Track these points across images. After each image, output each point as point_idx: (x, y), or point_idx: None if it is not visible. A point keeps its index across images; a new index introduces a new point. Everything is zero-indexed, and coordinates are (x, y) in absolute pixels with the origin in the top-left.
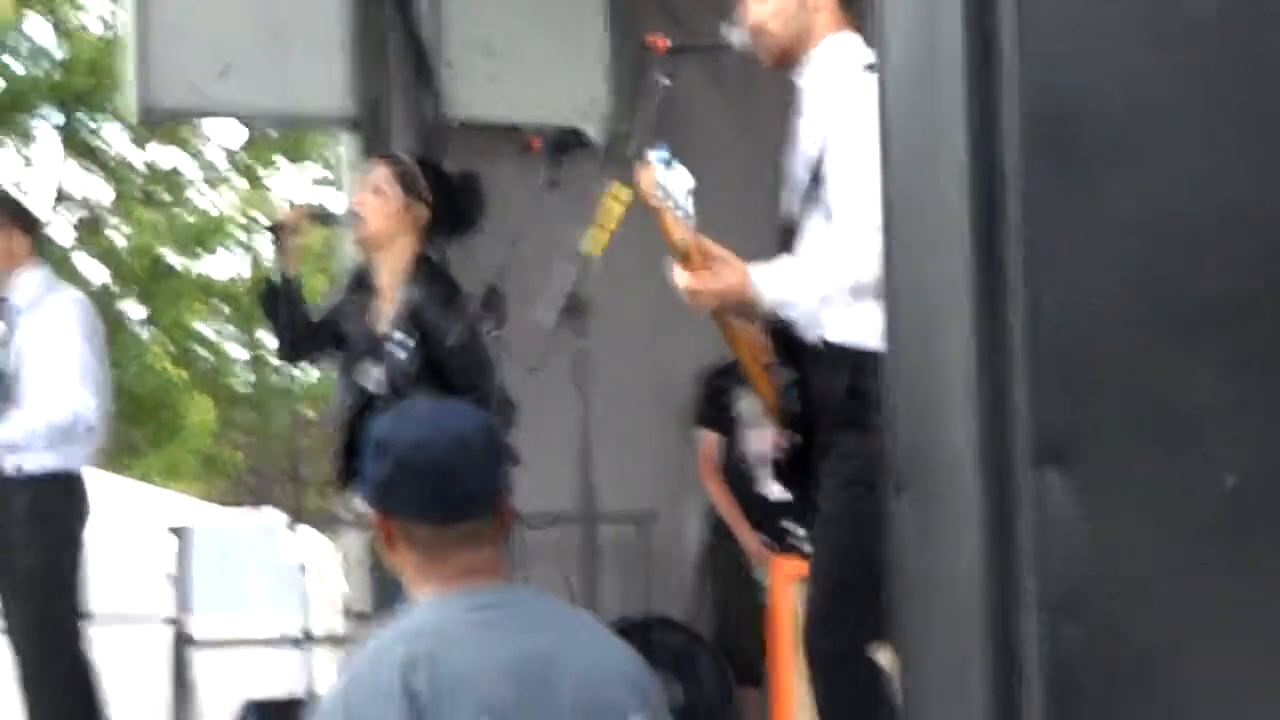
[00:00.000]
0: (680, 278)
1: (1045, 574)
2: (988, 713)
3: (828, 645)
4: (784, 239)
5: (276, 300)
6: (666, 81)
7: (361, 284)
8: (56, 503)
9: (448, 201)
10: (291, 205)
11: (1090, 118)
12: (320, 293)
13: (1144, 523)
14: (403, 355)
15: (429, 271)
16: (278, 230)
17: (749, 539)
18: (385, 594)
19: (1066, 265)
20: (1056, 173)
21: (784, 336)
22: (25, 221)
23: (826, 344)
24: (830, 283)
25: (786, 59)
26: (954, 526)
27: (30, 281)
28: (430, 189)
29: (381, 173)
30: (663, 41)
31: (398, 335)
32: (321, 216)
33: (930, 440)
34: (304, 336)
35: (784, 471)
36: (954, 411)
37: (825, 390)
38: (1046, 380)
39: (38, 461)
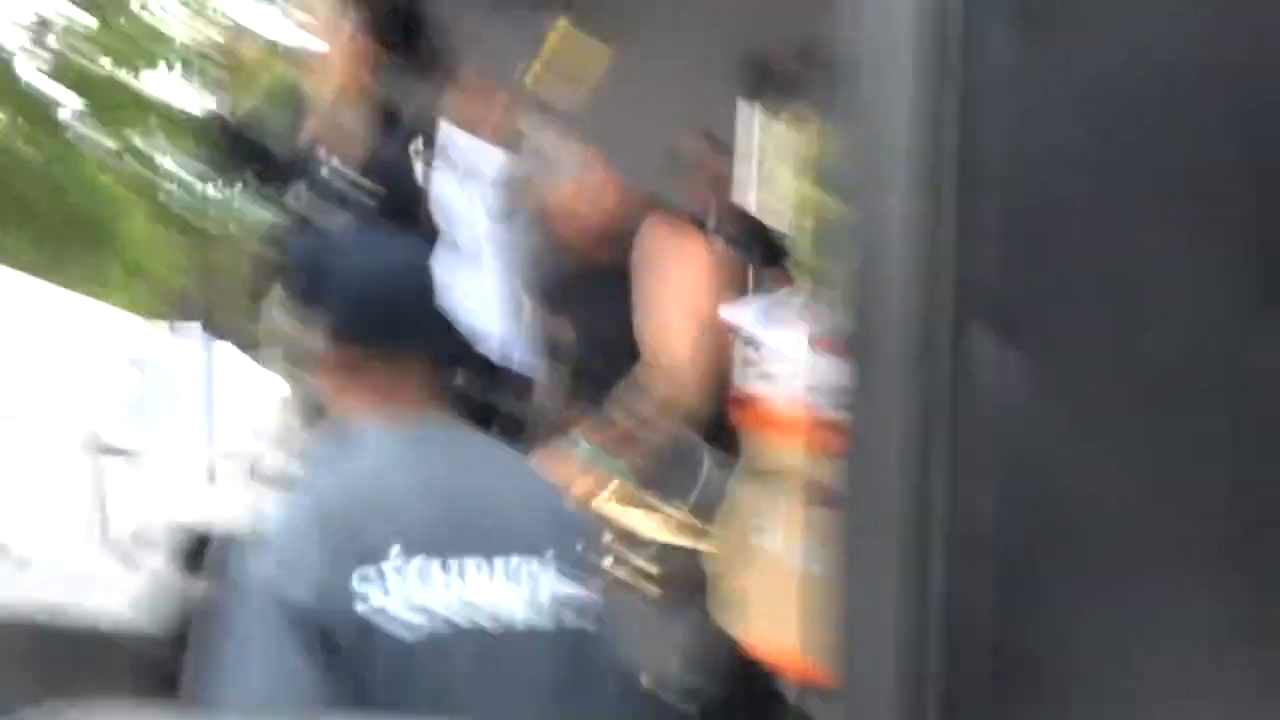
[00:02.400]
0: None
1: (963, 434)
2: (899, 565)
3: None
4: None
5: (229, 136)
6: None
7: (289, 102)
8: None
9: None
10: (237, 32)
11: None
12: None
13: (1072, 393)
14: (336, 182)
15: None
16: (228, 58)
17: None
18: (303, 418)
19: (1010, 125)
20: (1003, 25)
21: None
22: None
23: None
24: None
25: None
26: (880, 382)
27: None
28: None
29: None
30: None
31: (335, 162)
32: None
33: (867, 299)
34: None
35: None
36: (888, 269)
37: None
38: (980, 242)
39: None
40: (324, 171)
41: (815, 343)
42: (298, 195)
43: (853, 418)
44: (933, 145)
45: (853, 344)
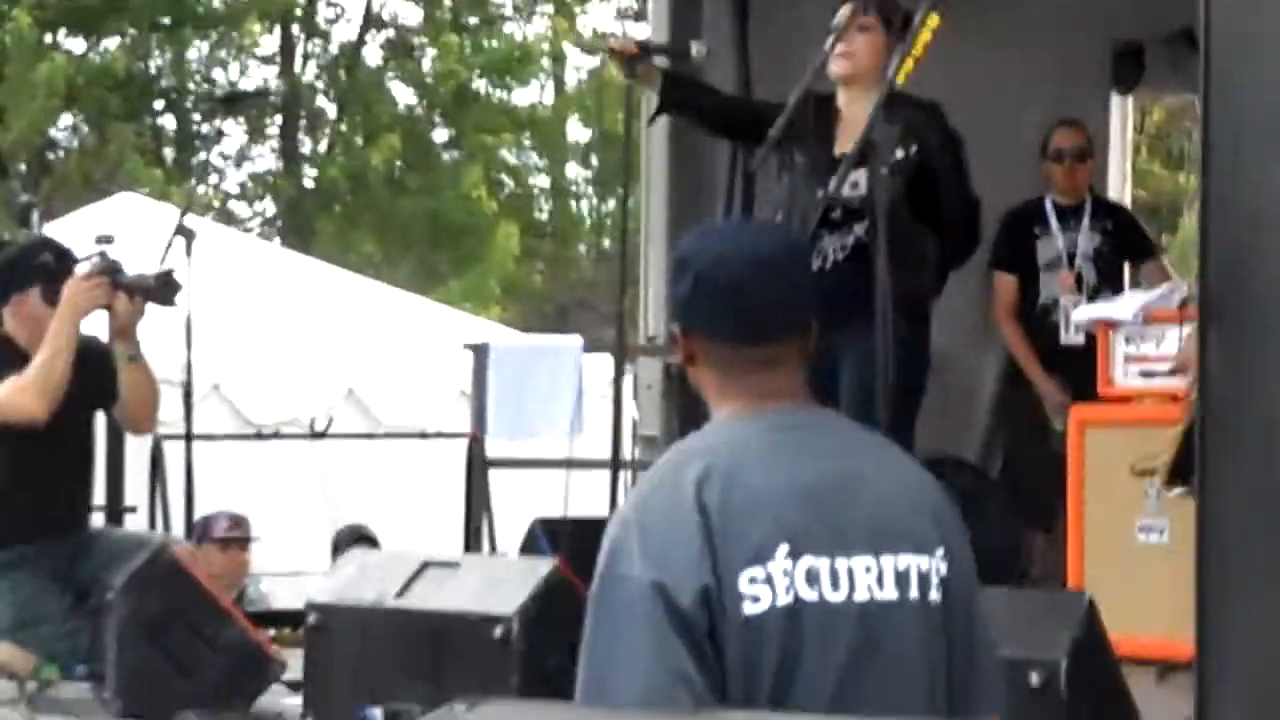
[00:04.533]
0: None
1: None
2: None
3: None
4: None
5: (676, 94)
6: None
7: (808, 113)
8: None
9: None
10: (617, 37)
11: None
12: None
13: None
14: (894, 160)
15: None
16: (625, 61)
17: (1044, 384)
18: (674, 420)
19: None
20: None
21: None
22: None
23: None
24: None
25: None
26: (1265, 357)
27: None
28: None
29: (868, 15)
30: None
31: (883, 169)
32: (653, 48)
33: (1246, 268)
34: (718, 113)
35: None
36: (1272, 239)
37: None
38: None
39: None
40: (885, 170)
41: (1192, 337)
42: (852, 181)
43: (1236, 398)
44: None
45: (1231, 318)
